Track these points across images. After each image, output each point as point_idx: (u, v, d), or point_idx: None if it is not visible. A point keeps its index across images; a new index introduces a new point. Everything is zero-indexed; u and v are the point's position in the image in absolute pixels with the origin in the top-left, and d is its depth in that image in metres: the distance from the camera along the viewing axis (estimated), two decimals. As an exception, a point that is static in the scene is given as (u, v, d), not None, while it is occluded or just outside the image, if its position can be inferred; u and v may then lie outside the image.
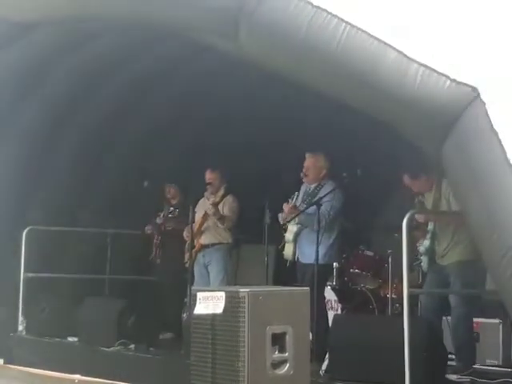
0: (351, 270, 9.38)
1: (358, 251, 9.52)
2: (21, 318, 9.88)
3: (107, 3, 7.40)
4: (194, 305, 6.25)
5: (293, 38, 5.84)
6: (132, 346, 8.92)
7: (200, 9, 6.44)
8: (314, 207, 7.97)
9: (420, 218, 7.26)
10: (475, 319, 7.75)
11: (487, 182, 5.36)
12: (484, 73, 5.37)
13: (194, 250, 9.38)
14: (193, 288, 7.00)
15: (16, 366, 9.44)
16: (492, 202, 5.32)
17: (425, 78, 5.43)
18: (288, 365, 6.05)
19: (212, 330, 6.07)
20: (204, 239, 9.56)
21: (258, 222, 8.80)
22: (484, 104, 5.31)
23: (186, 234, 9.52)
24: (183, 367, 6.98)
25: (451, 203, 7.24)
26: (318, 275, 7.82)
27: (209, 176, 9.55)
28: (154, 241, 10.45)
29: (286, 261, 8.45)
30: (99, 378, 8.46)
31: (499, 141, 5.22)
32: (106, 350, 8.91)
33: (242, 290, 6.03)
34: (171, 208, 10.31)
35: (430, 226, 7.48)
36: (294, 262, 8.36)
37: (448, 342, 7.25)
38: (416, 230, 7.46)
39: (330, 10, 5.67)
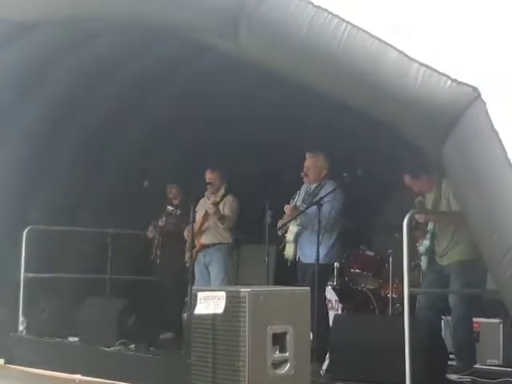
0: (352, 270, 9.40)
1: (359, 251, 9.53)
2: (21, 318, 9.88)
3: (107, 3, 7.40)
4: (195, 305, 6.25)
5: (293, 37, 5.84)
6: (132, 346, 8.92)
7: (200, 9, 6.44)
8: (315, 208, 7.96)
9: (420, 218, 7.27)
10: (476, 319, 7.75)
11: (488, 182, 5.36)
12: (485, 73, 5.38)
13: (194, 250, 9.39)
14: (193, 288, 6.98)
15: (16, 366, 9.46)
16: (492, 202, 5.32)
17: (426, 77, 5.44)
18: (289, 365, 6.05)
19: (212, 330, 6.06)
20: (204, 239, 9.57)
21: (259, 222, 8.80)
22: (485, 104, 5.31)
23: (186, 234, 9.52)
24: (184, 367, 6.98)
25: (451, 203, 7.24)
26: (319, 275, 7.82)
27: (209, 176, 9.56)
28: (155, 241, 10.46)
29: (287, 261, 8.45)
30: (100, 377, 8.47)
31: (500, 141, 5.22)
32: (107, 349, 8.91)
33: (242, 289, 6.02)
34: (171, 208, 10.31)
35: (430, 226, 7.48)
36: (295, 262, 8.36)
37: (448, 341, 7.25)
38: (416, 230, 7.46)
39: (330, 10, 5.67)
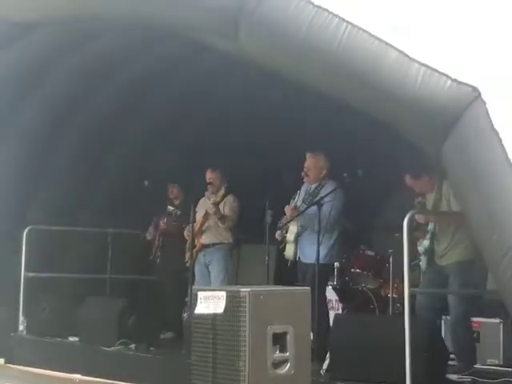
0: (352, 270, 9.39)
1: (359, 251, 9.53)
2: (21, 318, 9.88)
3: (107, 3, 7.40)
4: (195, 304, 6.25)
5: (293, 37, 5.84)
6: (133, 346, 8.92)
7: (200, 9, 6.44)
8: (315, 209, 7.97)
9: (420, 218, 7.26)
10: (476, 319, 7.76)
11: (488, 182, 5.36)
12: (485, 72, 5.38)
13: (194, 250, 9.39)
14: (194, 287, 6.98)
15: (16, 366, 9.46)
16: (492, 202, 5.32)
17: (426, 77, 5.44)
18: (289, 364, 6.05)
19: (213, 330, 6.07)
20: (205, 239, 9.57)
21: (259, 221, 8.81)
22: (485, 104, 5.31)
23: (186, 234, 9.53)
24: (184, 367, 6.98)
25: (452, 204, 7.24)
26: (319, 275, 7.83)
27: (209, 176, 9.57)
28: (155, 241, 10.46)
29: (287, 260, 8.45)
30: (100, 377, 8.47)
31: (500, 140, 5.22)
32: (107, 349, 8.91)
33: (242, 289, 6.03)
34: (171, 208, 10.31)
35: (430, 227, 7.48)
36: (295, 262, 8.37)
37: (448, 341, 7.25)
38: (416, 230, 7.46)
39: (330, 10, 5.67)
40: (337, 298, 9.30)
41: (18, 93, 9.63)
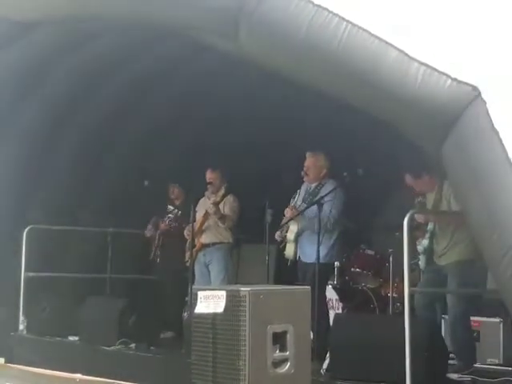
0: (352, 269, 9.39)
1: (359, 250, 9.53)
2: (21, 318, 9.88)
3: (107, 3, 7.40)
4: (195, 304, 6.26)
5: (293, 37, 5.84)
6: (133, 345, 8.93)
7: (200, 8, 6.44)
8: (315, 210, 7.97)
9: (420, 218, 7.27)
10: (476, 318, 7.77)
11: (488, 182, 5.36)
12: (485, 72, 5.38)
13: (194, 250, 9.39)
14: (194, 287, 6.98)
15: (17, 366, 9.46)
16: (493, 202, 5.32)
17: (426, 77, 5.44)
18: (289, 364, 6.06)
19: (213, 329, 6.07)
20: (205, 238, 9.57)
21: (259, 221, 8.81)
22: (485, 103, 5.31)
23: (186, 233, 9.53)
24: (184, 366, 6.98)
25: (452, 205, 7.25)
26: (319, 274, 7.83)
27: (209, 176, 9.57)
28: (155, 240, 10.47)
29: (287, 260, 8.46)
30: (100, 377, 8.48)
31: (500, 140, 5.22)
32: (107, 349, 8.91)
33: (242, 288, 6.03)
34: (171, 207, 10.32)
35: (430, 226, 7.48)
36: (295, 262, 8.37)
37: (448, 341, 7.25)
38: (416, 229, 7.47)
39: (330, 9, 5.67)
40: (337, 297, 9.31)
41: (18, 93, 9.63)
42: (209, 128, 10.87)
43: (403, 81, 5.52)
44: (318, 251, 7.85)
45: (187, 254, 9.48)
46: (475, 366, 7.24)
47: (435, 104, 5.48)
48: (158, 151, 10.89)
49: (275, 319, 6.03)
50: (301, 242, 8.31)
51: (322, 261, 7.93)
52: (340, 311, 9.10)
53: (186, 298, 8.98)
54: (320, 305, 7.73)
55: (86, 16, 7.69)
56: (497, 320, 7.93)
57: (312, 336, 6.93)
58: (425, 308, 7.39)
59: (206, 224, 9.55)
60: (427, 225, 7.47)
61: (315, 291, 7.39)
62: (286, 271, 8.74)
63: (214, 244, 9.56)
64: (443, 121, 5.53)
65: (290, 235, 8.34)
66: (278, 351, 6.03)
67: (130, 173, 10.78)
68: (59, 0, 7.82)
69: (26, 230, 9.96)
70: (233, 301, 5.99)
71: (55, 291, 10.19)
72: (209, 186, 9.56)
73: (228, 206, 9.47)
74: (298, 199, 8.44)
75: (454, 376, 6.91)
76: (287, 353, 6.06)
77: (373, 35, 5.56)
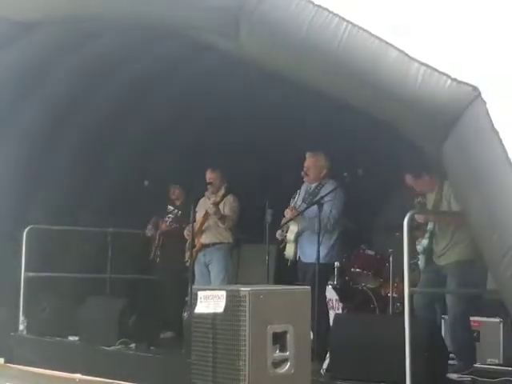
0: (352, 270, 9.39)
1: (359, 250, 9.53)
2: (21, 318, 9.88)
3: (107, 3, 7.40)
4: (195, 304, 6.26)
5: (294, 37, 5.84)
6: (133, 345, 8.92)
7: (200, 8, 6.44)
8: (315, 210, 7.97)
9: (420, 218, 7.27)
10: (476, 318, 7.77)
11: (488, 182, 5.36)
12: (485, 72, 5.38)
13: (194, 250, 9.39)
14: (194, 287, 6.98)
15: (17, 366, 9.47)
16: (493, 202, 5.32)
17: (426, 77, 5.44)
18: (289, 364, 6.06)
19: (213, 329, 6.07)
20: (205, 238, 9.57)
21: (259, 221, 8.81)
22: (485, 103, 5.31)
23: (186, 233, 9.53)
24: (184, 366, 6.98)
25: (452, 205, 7.25)
26: (319, 274, 7.83)
27: (209, 176, 9.57)
28: (155, 240, 10.47)
29: (287, 260, 8.46)
30: (100, 377, 8.48)
31: (500, 140, 5.22)
32: (107, 349, 8.91)
33: (242, 288, 6.03)
34: (171, 207, 10.31)
35: (430, 226, 7.48)
36: (295, 262, 8.37)
37: (448, 341, 7.25)
38: (416, 229, 7.47)
39: (331, 9, 5.67)
40: (337, 297, 9.31)
41: (18, 93, 9.63)
42: (209, 128, 10.87)
43: (403, 81, 5.51)
44: (318, 251, 7.85)
45: (187, 254, 9.48)
46: (475, 366, 7.24)
47: (435, 104, 5.48)
48: (158, 151, 10.89)
49: (275, 319, 6.03)
50: (301, 242, 8.31)
51: (322, 261, 7.93)
52: (340, 311, 9.11)
53: (186, 298, 8.98)
54: (320, 305, 7.73)
55: (86, 16, 7.70)
56: (497, 320, 7.93)
57: (312, 336, 6.93)
58: (424, 308, 7.39)
59: (206, 224, 9.54)
60: (427, 225, 7.48)
61: (315, 291, 7.39)
62: (286, 271, 8.74)
63: (213, 244, 9.56)
64: (443, 121, 5.53)
65: (290, 235, 8.34)
66: (278, 351, 6.03)
67: (130, 173, 10.78)
68: (59, 0, 7.83)
69: (26, 229, 9.96)
70: (233, 301, 5.99)
71: (55, 291, 10.19)
72: (209, 186, 9.56)
73: (228, 206, 9.47)
74: (298, 199, 8.44)
75: (453, 376, 6.91)
76: (287, 353, 6.05)
77: (373, 35, 5.56)
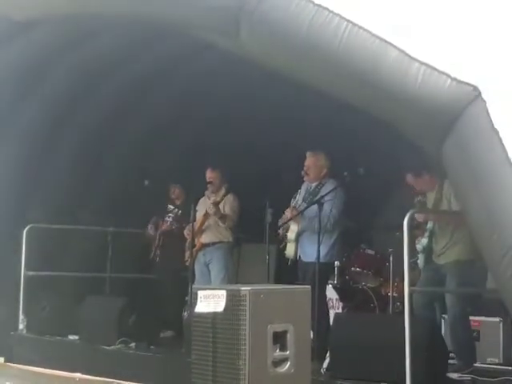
0: (352, 269, 9.40)
1: (359, 250, 9.54)
2: (21, 317, 9.88)
3: (107, 2, 7.40)
4: (195, 303, 6.25)
5: (294, 36, 5.84)
6: (133, 345, 8.92)
7: (201, 7, 6.44)
8: (315, 210, 7.97)
9: (420, 217, 7.28)
10: (476, 318, 7.78)
11: (488, 182, 5.36)
12: (485, 72, 5.38)
13: (194, 249, 9.39)
14: (194, 286, 6.99)
15: (16, 365, 9.47)
16: (492, 202, 5.32)
17: (426, 76, 5.44)
18: (289, 363, 6.06)
19: (213, 329, 6.07)
20: (205, 238, 9.58)
21: (259, 221, 8.81)
22: (485, 103, 5.31)
23: (186, 233, 9.53)
24: (184, 365, 6.99)
25: (452, 204, 7.25)
26: (320, 274, 7.84)
27: (209, 175, 9.58)
28: (155, 240, 10.47)
29: (288, 259, 8.46)
30: (100, 376, 8.49)
31: (500, 140, 5.22)
32: (107, 348, 8.91)
33: (243, 288, 6.03)
34: (171, 207, 10.31)
35: (429, 225, 7.49)
36: (296, 261, 8.38)
37: (448, 340, 7.25)
38: (416, 228, 7.47)
39: (331, 9, 5.67)
40: (337, 296, 9.32)
41: (17, 92, 9.63)
42: (209, 128, 10.87)
43: (403, 80, 5.52)
44: (319, 251, 7.86)
45: (187, 254, 9.49)
46: (475, 365, 7.25)
47: (435, 104, 5.48)
48: (158, 151, 10.89)
49: (275, 319, 6.03)
50: (301, 241, 8.31)
51: (322, 260, 7.94)
52: (340, 311, 9.12)
53: (186, 298, 8.98)
54: (320, 304, 7.73)
55: (86, 15, 7.70)
56: (497, 320, 7.93)
57: (312, 335, 6.93)
58: (424, 307, 7.40)
59: (206, 223, 9.55)
60: (427, 223, 7.48)
61: (315, 291, 7.39)
62: (287, 271, 8.75)
63: (214, 243, 9.56)
64: (443, 121, 5.53)
65: (291, 235, 8.35)
66: (278, 351, 6.03)
67: (130, 173, 10.78)
68: (59, -1, 7.84)
69: (26, 228, 9.96)
70: (233, 300, 5.99)
71: (55, 290, 10.20)
72: (209, 185, 9.57)
73: (228, 205, 9.47)
74: (298, 199, 8.45)
75: (453, 375, 6.92)
76: (287, 352, 6.05)
77: (373, 35, 5.56)
